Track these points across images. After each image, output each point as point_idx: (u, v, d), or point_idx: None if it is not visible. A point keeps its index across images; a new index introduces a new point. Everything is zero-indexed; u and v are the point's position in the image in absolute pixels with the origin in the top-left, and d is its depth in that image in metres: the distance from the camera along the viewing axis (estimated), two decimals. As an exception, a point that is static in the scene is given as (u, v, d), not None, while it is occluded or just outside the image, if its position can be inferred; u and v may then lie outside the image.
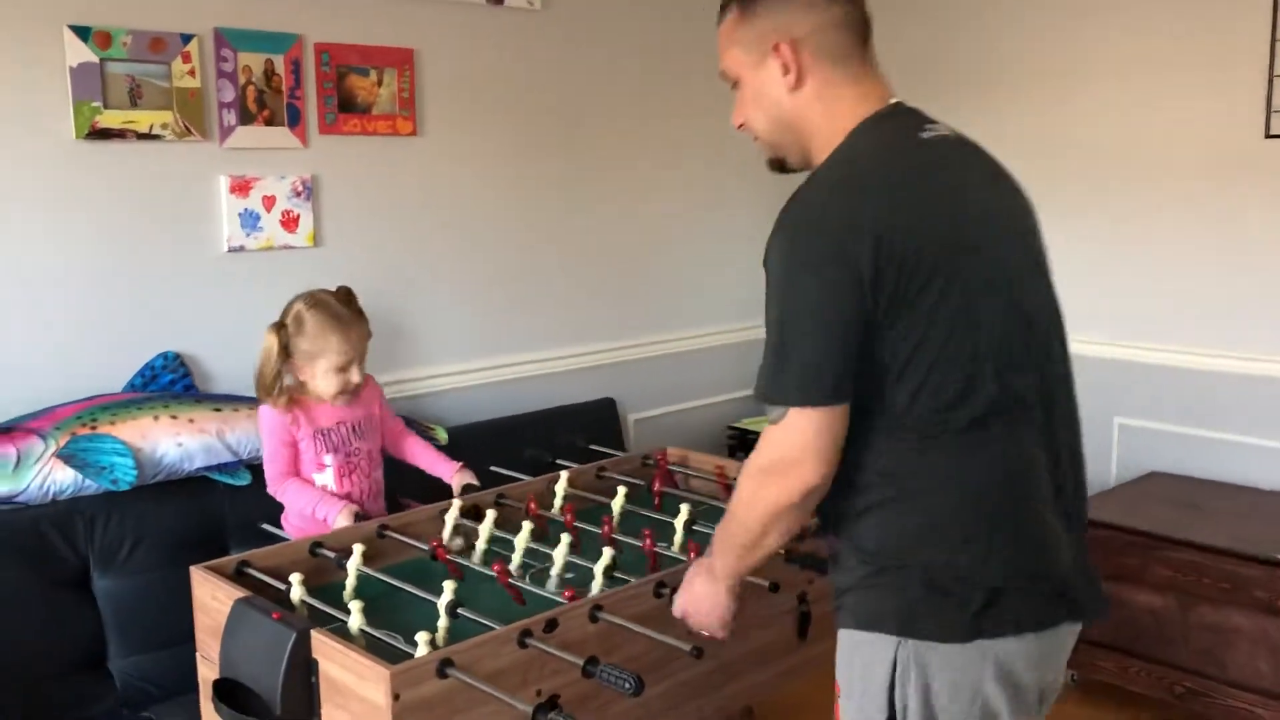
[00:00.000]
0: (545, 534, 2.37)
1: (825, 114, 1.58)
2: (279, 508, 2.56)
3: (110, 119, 2.61)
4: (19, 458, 2.44)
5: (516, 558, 2.21)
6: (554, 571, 2.14)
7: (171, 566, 2.52)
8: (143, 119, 2.66)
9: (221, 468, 2.68)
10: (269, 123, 2.87)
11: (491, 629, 1.83)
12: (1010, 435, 1.49)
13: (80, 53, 2.55)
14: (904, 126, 1.57)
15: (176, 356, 2.77)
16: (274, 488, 2.53)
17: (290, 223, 2.94)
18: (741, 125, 1.69)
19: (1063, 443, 1.57)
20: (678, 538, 2.35)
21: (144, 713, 2.44)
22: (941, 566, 1.48)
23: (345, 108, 3.01)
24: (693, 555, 2.19)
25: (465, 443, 3.06)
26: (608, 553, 2.12)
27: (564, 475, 2.66)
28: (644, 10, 3.67)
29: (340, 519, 2.41)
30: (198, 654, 2.13)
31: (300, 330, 2.49)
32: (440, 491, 2.63)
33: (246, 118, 2.83)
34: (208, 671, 2.05)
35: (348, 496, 2.52)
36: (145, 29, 2.65)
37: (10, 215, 2.54)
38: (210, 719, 1.98)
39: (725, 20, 1.65)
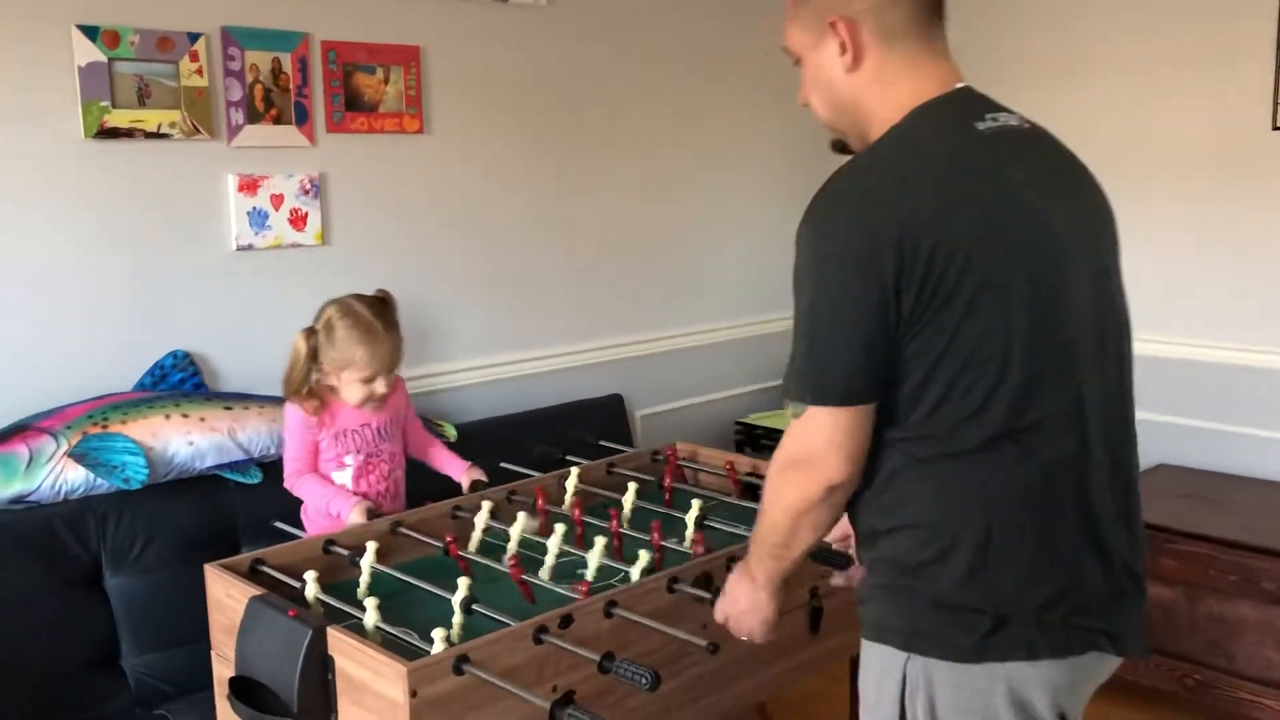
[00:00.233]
0: (580, 534, 2.36)
1: (882, 97, 1.49)
2: (291, 505, 2.57)
3: (118, 118, 2.61)
4: (31, 457, 2.44)
5: (549, 559, 2.18)
6: (588, 574, 2.11)
7: (183, 565, 2.53)
8: (151, 118, 2.66)
9: (233, 466, 2.69)
10: (276, 121, 2.87)
11: (506, 625, 1.83)
12: (1029, 457, 1.40)
13: (88, 52, 2.56)
14: (960, 115, 1.48)
15: (186, 355, 2.78)
16: (290, 482, 2.54)
17: (298, 221, 2.94)
18: (805, 105, 1.60)
19: (1102, 466, 1.46)
20: (689, 533, 2.34)
21: (157, 710, 2.45)
22: (949, 588, 1.42)
23: (352, 106, 3.01)
24: (699, 550, 2.20)
25: (473, 439, 3.06)
26: (645, 555, 2.12)
27: (574, 471, 2.66)
28: (650, 5, 3.66)
29: (353, 515, 2.41)
30: (213, 652, 2.13)
31: (330, 339, 2.47)
32: (456, 490, 2.64)
33: (254, 116, 2.83)
34: (223, 669, 2.06)
35: (364, 496, 2.53)
36: (153, 28, 2.65)
37: (19, 215, 2.55)
38: (227, 717, 1.99)
39: None
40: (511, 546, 2.26)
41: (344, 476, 2.54)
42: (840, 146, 1.60)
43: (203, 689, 2.27)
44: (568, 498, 2.60)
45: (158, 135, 2.68)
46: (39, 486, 2.44)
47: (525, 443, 3.17)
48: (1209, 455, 3.38)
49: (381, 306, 2.54)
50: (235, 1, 2.79)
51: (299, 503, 2.58)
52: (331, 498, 2.47)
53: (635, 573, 2.09)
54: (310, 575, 2.06)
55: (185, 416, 2.64)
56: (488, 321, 3.38)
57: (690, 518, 2.37)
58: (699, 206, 3.91)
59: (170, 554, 2.58)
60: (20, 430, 2.49)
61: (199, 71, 2.72)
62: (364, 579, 2.15)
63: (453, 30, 3.20)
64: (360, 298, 2.54)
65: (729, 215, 4.00)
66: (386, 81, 3.06)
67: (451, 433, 3.08)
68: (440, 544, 2.24)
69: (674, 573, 2.05)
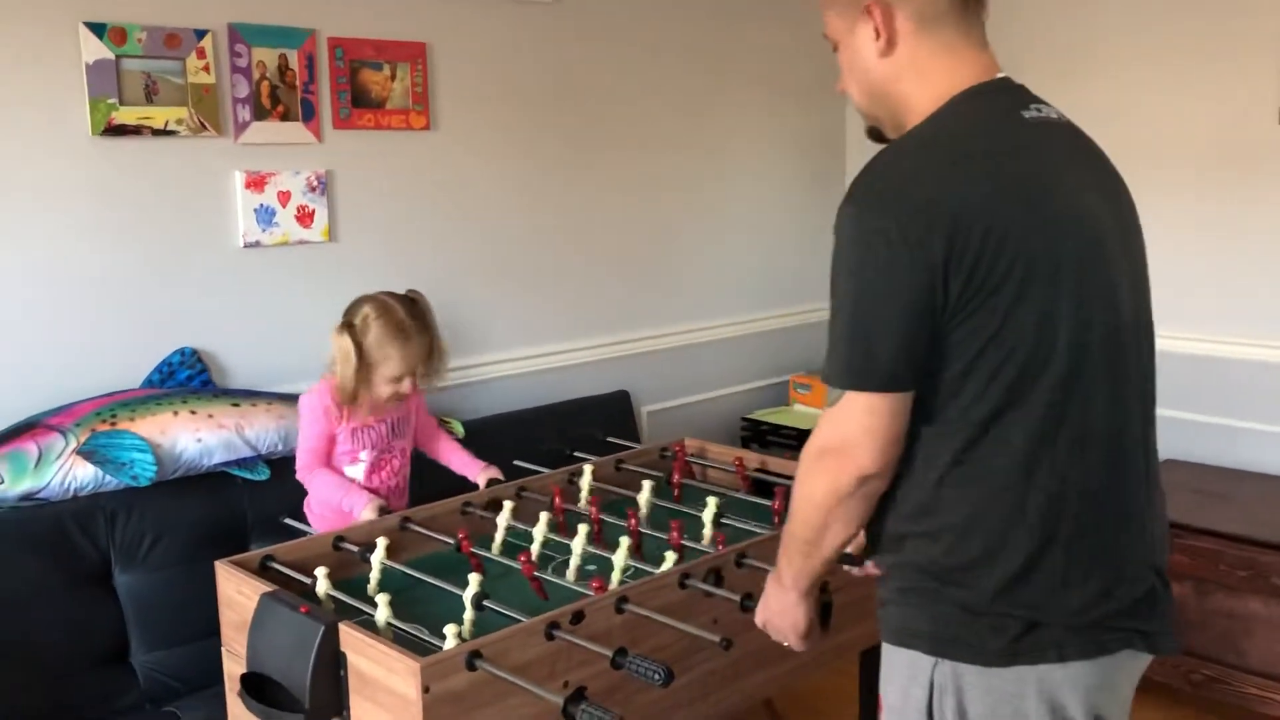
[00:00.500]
0: (600, 534, 2.34)
1: (918, 84, 1.44)
2: (299, 502, 2.57)
3: (126, 115, 2.61)
4: (40, 454, 2.44)
5: (574, 560, 2.17)
6: (615, 576, 2.10)
7: (192, 562, 2.54)
8: (158, 115, 2.66)
9: (241, 463, 2.69)
10: (283, 118, 2.87)
11: (517, 621, 1.83)
12: (1072, 457, 1.37)
13: (96, 49, 2.55)
14: (1005, 103, 1.44)
15: (194, 352, 2.78)
16: (303, 475, 2.53)
17: (305, 218, 2.94)
18: (843, 92, 1.57)
19: (1138, 466, 1.44)
20: (707, 531, 2.33)
21: (167, 707, 2.45)
22: (984, 594, 1.38)
23: (359, 102, 3.00)
24: (721, 549, 2.19)
25: (481, 435, 3.06)
26: (670, 556, 2.12)
27: (588, 470, 2.65)
28: (657, 2, 3.66)
29: (366, 512, 2.41)
30: (223, 648, 2.13)
31: (365, 335, 2.46)
32: (459, 486, 2.63)
33: (261, 113, 2.83)
34: (234, 666, 2.05)
35: (375, 491, 2.53)
36: (160, 25, 2.64)
37: (27, 212, 2.54)
38: (238, 713, 1.99)
39: None
40: (535, 548, 2.26)
41: (356, 471, 2.54)
42: (876, 134, 1.57)
43: (212, 685, 2.28)
44: (583, 496, 2.59)
45: (165, 132, 2.68)
46: (48, 484, 2.45)
47: (532, 439, 3.17)
48: (1218, 450, 3.37)
49: (413, 306, 2.52)
50: (242, -2, 2.79)
51: (305, 498, 2.58)
52: (345, 494, 2.47)
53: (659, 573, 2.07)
54: (321, 571, 2.06)
55: (193, 413, 2.64)
56: (494, 318, 3.38)
57: (708, 516, 2.36)
58: (705, 202, 3.91)
59: (179, 551, 2.58)
60: (29, 428, 2.49)
61: (206, 68, 2.72)
62: (374, 575, 2.15)
63: (460, 27, 3.20)
64: (394, 295, 2.53)
65: (735, 211, 4.00)
66: (393, 78, 3.06)
67: (459, 429, 3.08)
68: (452, 540, 2.24)
69: (685, 568, 2.05)
